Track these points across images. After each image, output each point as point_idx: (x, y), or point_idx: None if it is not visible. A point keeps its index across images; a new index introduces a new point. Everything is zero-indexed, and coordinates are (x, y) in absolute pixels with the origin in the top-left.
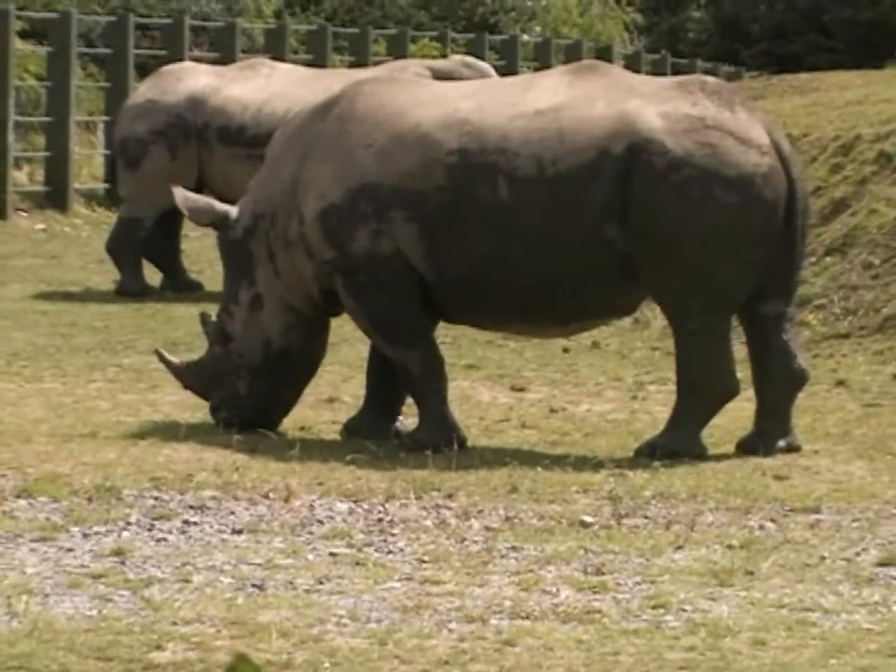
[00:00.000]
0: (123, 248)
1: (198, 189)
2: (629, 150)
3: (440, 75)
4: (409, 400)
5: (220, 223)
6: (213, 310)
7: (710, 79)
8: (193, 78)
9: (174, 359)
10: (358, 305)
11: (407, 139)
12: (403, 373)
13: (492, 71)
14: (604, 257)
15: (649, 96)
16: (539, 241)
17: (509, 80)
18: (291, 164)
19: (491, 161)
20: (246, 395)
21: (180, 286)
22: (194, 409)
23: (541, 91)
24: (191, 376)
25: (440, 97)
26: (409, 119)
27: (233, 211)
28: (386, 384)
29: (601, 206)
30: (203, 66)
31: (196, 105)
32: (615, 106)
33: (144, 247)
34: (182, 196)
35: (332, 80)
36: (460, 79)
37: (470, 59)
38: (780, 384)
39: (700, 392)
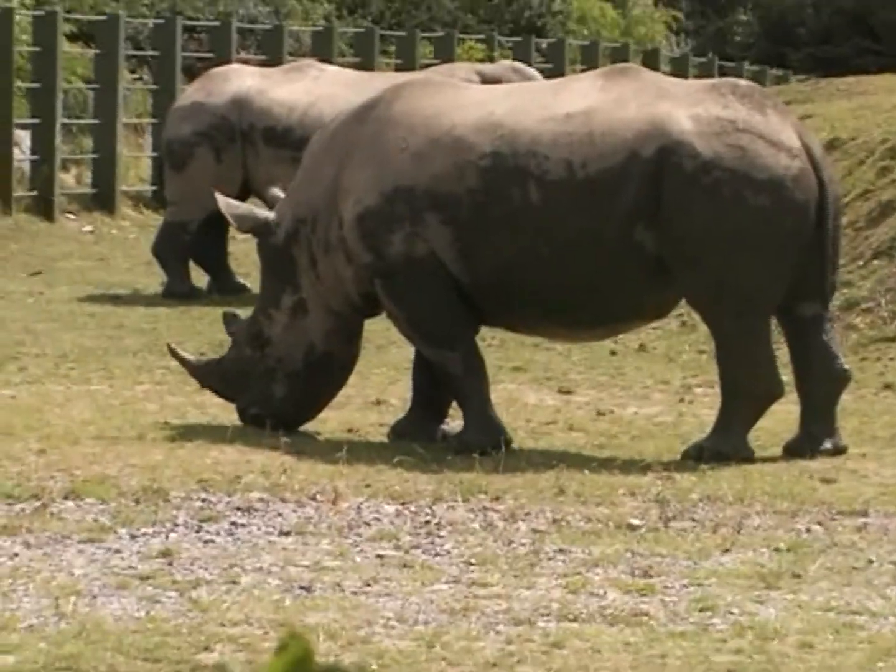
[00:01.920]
0: (169, 250)
1: (243, 191)
2: (659, 153)
3: (489, 79)
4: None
5: (261, 229)
6: None
7: (743, 82)
8: (240, 80)
9: (189, 356)
10: (397, 308)
11: (441, 142)
12: (445, 375)
13: (539, 76)
14: (634, 260)
15: (680, 99)
16: (569, 244)
17: (543, 83)
18: (331, 168)
19: (522, 164)
20: (283, 398)
21: (227, 289)
22: None
23: (572, 94)
24: (212, 375)
25: (475, 101)
26: (443, 122)
27: (273, 217)
28: (432, 386)
29: (631, 208)
30: (250, 69)
31: (241, 107)
32: (646, 109)
33: (192, 249)
34: (224, 202)
35: (379, 83)
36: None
37: (519, 64)
38: (822, 385)
39: (744, 395)
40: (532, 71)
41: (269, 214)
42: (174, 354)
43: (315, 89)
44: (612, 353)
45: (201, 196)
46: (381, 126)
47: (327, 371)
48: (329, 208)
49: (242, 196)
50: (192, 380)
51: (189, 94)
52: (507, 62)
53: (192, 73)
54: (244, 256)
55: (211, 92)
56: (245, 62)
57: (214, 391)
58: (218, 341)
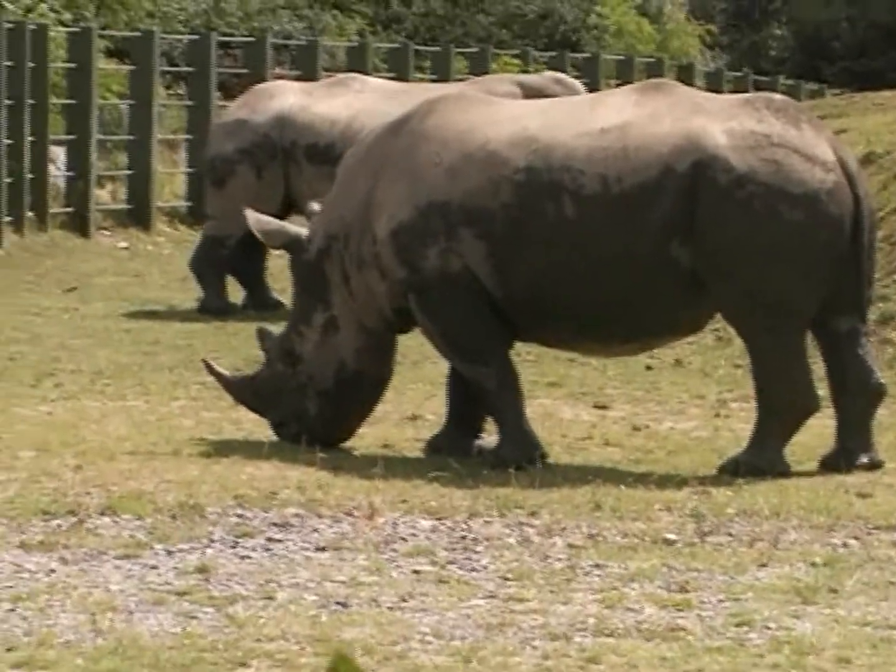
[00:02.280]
0: (206, 265)
1: (285, 208)
2: (694, 168)
3: (530, 91)
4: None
5: (292, 245)
6: None
7: (777, 96)
8: (283, 97)
9: (224, 371)
10: (431, 323)
11: (475, 157)
12: (480, 390)
13: (581, 88)
14: (668, 275)
15: (715, 114)
16: (604, 259)
17: (577, 98)
18: (364, 183)
19: (557, 179)
20: (314, 415)
21: (262, 304)
22: None
23: (607, 109)
24: (246, 391)
25: (509, 115)
26: (477, 137)
27: (305, 233)
28: (468, 401)
29: (666, 223)
30: (294, 85)
31: (283, 125)
32: (680, 123)
33: (231, 265)
34: (254, 218)
35: (421, 96)
36: (551, 95)
37: (561, 75)
38: (858, 399)
39: (780, 409)
40: (574, 82)
41: (301, 231)
42: (209, 369)
43: (355, 103)
44: (648, 367)
45: (241, 213)
46: (415, 140)
47: (358, 389)
48: (362, 224)
49: (284, 213)
50: (227, 395)
51: (233, 110)
52: (550, 73)
53: (226, 90)
54: (279, 272)
55: (254, 109)
56: (280, 78)
57: (248, 406)
58: (253, 357)
